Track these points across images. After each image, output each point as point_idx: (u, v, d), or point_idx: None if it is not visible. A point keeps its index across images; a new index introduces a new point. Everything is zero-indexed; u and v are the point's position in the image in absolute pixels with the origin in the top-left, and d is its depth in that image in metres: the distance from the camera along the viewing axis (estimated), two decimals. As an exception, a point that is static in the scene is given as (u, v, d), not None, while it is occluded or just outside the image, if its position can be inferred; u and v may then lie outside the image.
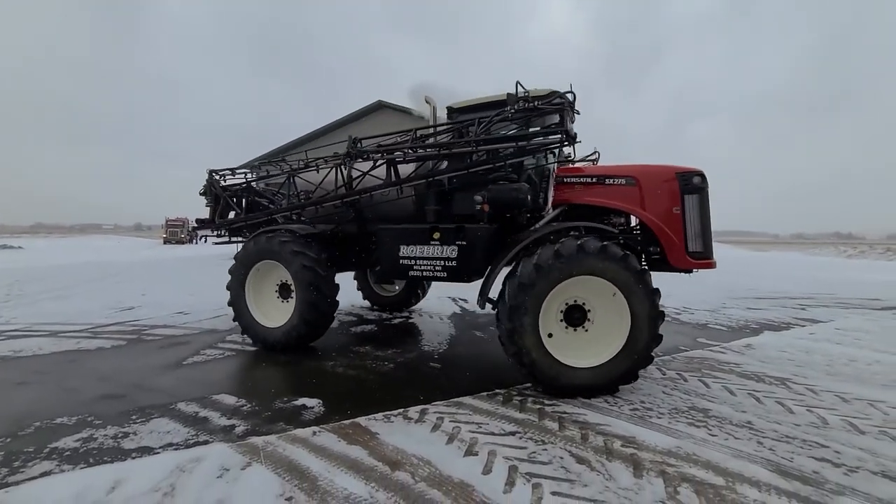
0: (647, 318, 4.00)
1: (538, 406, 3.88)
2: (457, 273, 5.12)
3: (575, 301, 4.26)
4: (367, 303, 8.87)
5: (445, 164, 5.39)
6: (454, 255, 5.11)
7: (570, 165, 5.72)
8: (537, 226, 4.79)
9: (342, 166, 5.82)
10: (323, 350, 5.73)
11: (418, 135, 5.50)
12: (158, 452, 3.08)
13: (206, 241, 42.67)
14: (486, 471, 2.83)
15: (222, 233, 7.15)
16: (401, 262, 5.33)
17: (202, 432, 3.39)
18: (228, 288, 5.93)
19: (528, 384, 4.42)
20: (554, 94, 4.89)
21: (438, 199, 5.43)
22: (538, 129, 4.88)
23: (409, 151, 5.41)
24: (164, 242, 40.90)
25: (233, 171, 7.14)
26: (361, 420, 3.58)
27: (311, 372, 4.88)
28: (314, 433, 3.35)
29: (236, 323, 5.95)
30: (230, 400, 4.03)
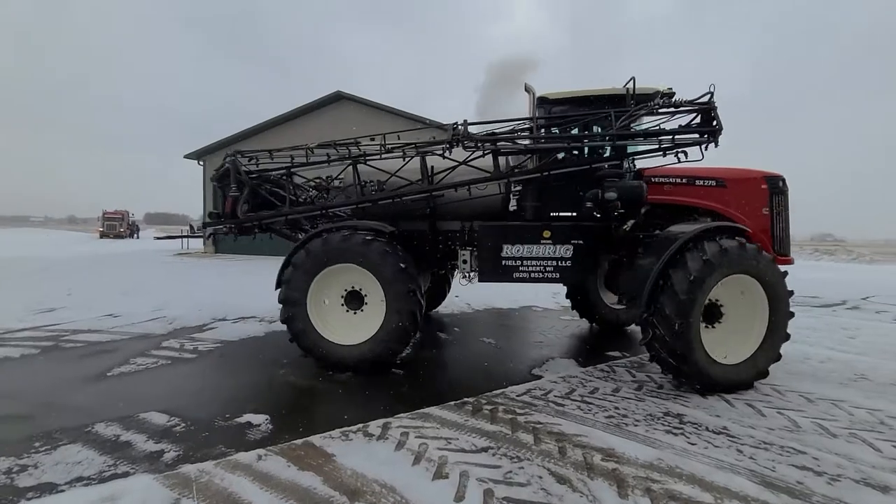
0: (785, 317, 4.35)
1: (510, 416, 3.61)
2: (572, 273, 5.05)
3: (708, 300, 4.28)
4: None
5: (557, 157, 5.10)
6: (569, 254, 4.98)
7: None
8: (675, 227, 4.61)
9: (427, 154, 5.10)
10: (272, 357, 5.22)
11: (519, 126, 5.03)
12: (63, 490, 2.55)
13: (137, 237, 40.12)
14: (459, 497, 2.51)
15: (231, 230, 5.71)
16: (503, 263, 5.02)
17: (122, 461, 2.87)
18: (284, 301, 4.70)
19: (498, 391, 4.16)
20: (657, 93, 4.87)
21: (545, 194, 5.14)
22: (687, 126, 4.81)
23: (523, 142, 5.04)
24: (101, 237, 37.89)
25: (270, 153, 5.63)
26: (315, 439, 3.17)
27: (259, 383, 4.39)
28: (259, 457, 2.91)
29: (293, 343, 4.77)
30: (160, 419, 3.49)
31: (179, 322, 6.73)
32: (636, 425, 3.49)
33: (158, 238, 39.48)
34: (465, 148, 4.94)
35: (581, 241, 4.96)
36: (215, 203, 6.05)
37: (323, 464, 2.84)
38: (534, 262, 5.02)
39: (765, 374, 4.38)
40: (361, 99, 18.44)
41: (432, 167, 5.10)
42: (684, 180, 5.17)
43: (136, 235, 41.06)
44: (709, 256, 4.09)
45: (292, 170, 5.72)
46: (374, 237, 4.68)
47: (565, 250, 4.97)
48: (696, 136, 4.74)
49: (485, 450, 3.04)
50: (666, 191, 5.12)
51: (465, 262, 5.40)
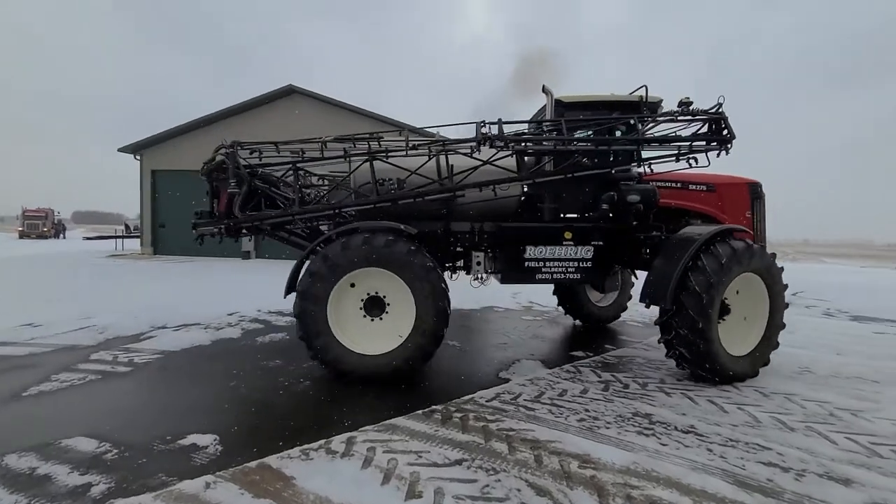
0: (782, 310, 4.80)
1: (481, 424, 3.46)
2: (592, 274, 5.20)
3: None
4: (275, 307, 7.88)
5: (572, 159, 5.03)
6: (589, 255, 5.13)
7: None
8: (687, 230, 4.86)
9: (446, 153, 4.89)
10: (220, 368, 4.80)
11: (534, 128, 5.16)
12: (-41, 542, 2.12)
13: (63, 237, 36.84)
14: (435, 518, 2.33)
15: (221, 231, 5.02)
16: (526, 264, 5.06)
17: (39, 500, 2.45)
18: (301, 314, 4.26)
19: (467, 396, 4.01)
20: (660, 101, 5.28)
21: (564, 196, 5.27)
22: (702, 134, 5.06)
23: (546, 143, 5.01)
24: (21, 237, 34.39)
25: (276, 145, 5.05)
26: (272, 460, 2.87)
27: (205, 399, 3.98)
28: (208, 485, 2.58)
29: (316, 358, 4.32)
30: (87, 445, 3.05)
31: (112, 331, 6.08)
32: (608, 428, 3.45)
33: (88, 238, 36.38)
34: (492, 147, 4.81)
35: (601, 242, 5.14)
36: (210, 200, 5.23)
37: (282, 489, 2.56)
38: (556, 263, 5.12)
39: (767, 362, 4.80)
40: (314, 94, 17.79)
41: (451, 166, 4.86)
42: (679, 185, 5.57)
43: (62, 235, 37.63)
44: (725, 258, 4.39)
45: (298, 165, 5.08)
46: (395, 238, 4.37)
47: (586, 251, 5.13)
48: (711, 143, 5.03)
49: (458, 462, 2.87)
50: (662, 195, 5.41)
51: (478, 263, 5.24)
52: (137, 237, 21.15)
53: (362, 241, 4.28)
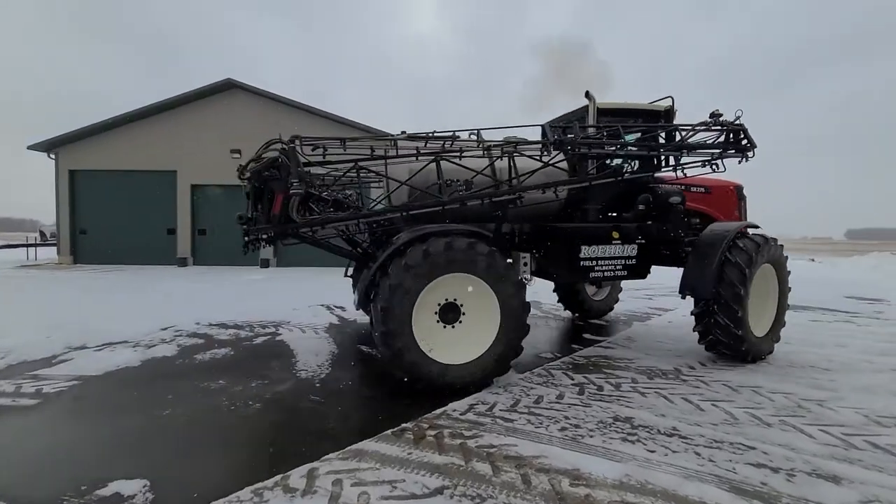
0: (787, 294, 5.58)
1: (459, 441, 3.15)
2: (637, 271, 5.58)
3: None
4: (217, 319, 7.18)
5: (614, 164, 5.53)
6: (634, 253, 5.49)
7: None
8: (714, 226, 5.43)
9: (512, 155, 4.78)
10: (151, 395, 4.16)
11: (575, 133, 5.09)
12: None
13: None
14: (420, 566, 1.99)
15: (258, 240, 4.54)
16: (581, 263, 5.25)
17: None
18: (387, 321, 3.90)
19: (439, 410, 3.69)
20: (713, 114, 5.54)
21: (609, 199, 5.63)
22: (732, 142, 5.55)
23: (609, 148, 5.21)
24: None
25: (342, 142, 4.64)
26: (217, 507, 2.41)
27: (132, 432, 3.38)
28: (134, 548, 2.09)
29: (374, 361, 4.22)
30: (-28, 507, 2.43)
31: (17, 354, 5.19)
32: (591, 436, 3.25)
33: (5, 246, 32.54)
34: (559, 149, 5.07)
35: (643, 241, 5.52)
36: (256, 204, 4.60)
37: (230, 544, 2.12)
38: (607, 262, 5.38)
39: (779, 339, 5.51)
40: (255, 89, 16.78)
41: (515, 168, 4.78)
42: (683, 188, 5.90)
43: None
44: (753, 252, 4.99)
45: (361, 164, 4.60)
46: (476, 241, 4.21)
47: (631, 249, 5.47)
48: (736, 151, 5.55)
49: (440, 491, 2.54)
50: None
51: (525, 264, 5.13)
52: (54, 245, 18.98)
53: (444, 245, 4.04)
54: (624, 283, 9.50)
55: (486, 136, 5.25)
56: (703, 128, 5.42)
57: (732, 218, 6.15)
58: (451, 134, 4.94)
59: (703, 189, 6.13)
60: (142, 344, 5.72)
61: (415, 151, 4.61)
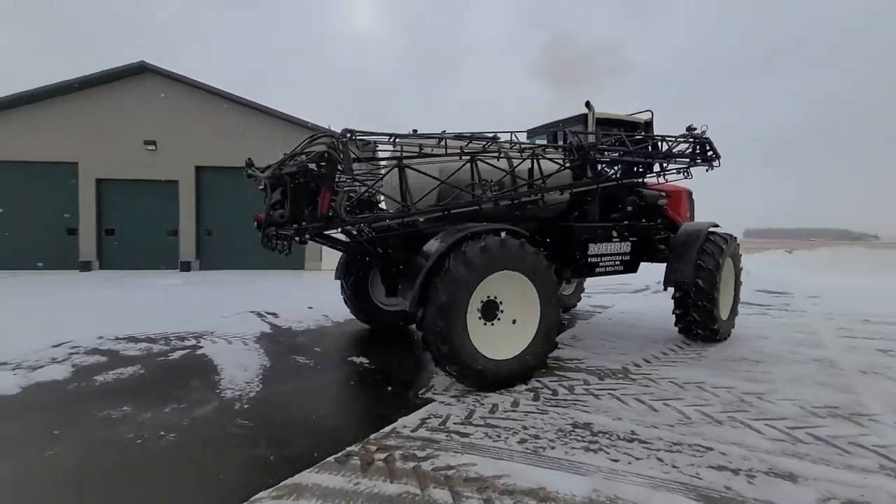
0: (740, 285, 6.76)
1: (412, 464, 2.83)
2: (630, 266, 6.22)
3: None
4: (126, 332, 6.27)
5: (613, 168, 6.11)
6: (628, 249, 6.07)
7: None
8: (686, 226, 6.36)
9: (537, 158, 5.12)
10: (33, 428, 3.42)
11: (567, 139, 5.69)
12: None
13: None
14: None
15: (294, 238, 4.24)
16: (590, 259, 5.67)
17: None
18: (446, 317, 3.90)
19: (387, 428, 3.34)
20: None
21: (605, 200, 6.01)
22: (703, 153, 6.46)
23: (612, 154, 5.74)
24: None
25: (393, 138, 4.44)
26: (111, 578, 1.90)
27: (6, 479, 2.70)
28: None
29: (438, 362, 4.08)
30: None
31: None
32: (553, 447, 3.07)
33: None
34: (579, 154, 5.35)
35: (636, 239, 6.13)
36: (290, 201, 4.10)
37: None
38: (608, 258, 5.89)
39: (734, 325, 6.44)
40: (173, 74, 15.26)
41: (539, 169, 5.13)
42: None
43: None
44: (722, 245, 5.87)
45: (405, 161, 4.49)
46: (524, 239, 4.40)
47: (626, 246, 6.05)
48: (703, 161, 6.44)
49: (394, 530, 2.21)
50: None
51: None
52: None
53: (499, 243, 4.19)
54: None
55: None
56: (682, 138, 6.21)
57: (686, 219, 6.86)
58: (492, 135, 5.08)
59: (665, 193, 6.66)
60: (24, 366, 4.78)
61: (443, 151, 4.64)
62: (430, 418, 3.56)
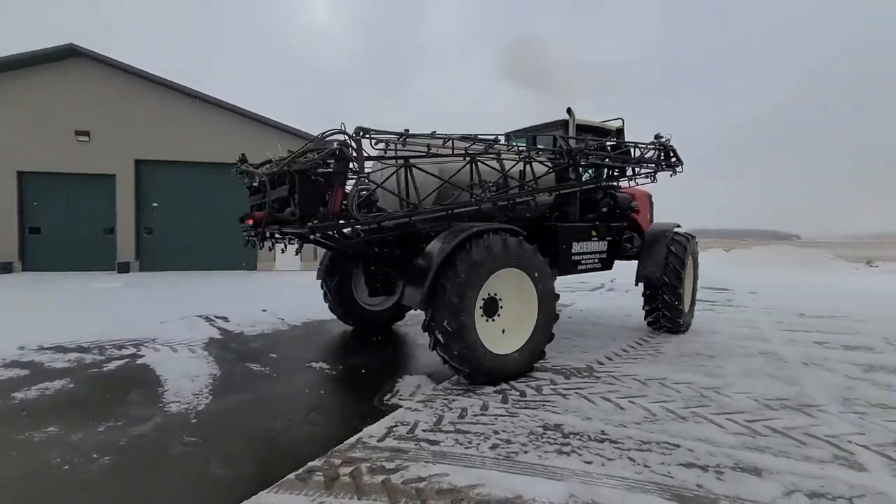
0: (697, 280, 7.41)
1: (380, 477, 2.65)
2: (607, 263, 6.65)
3: None
4: (53, 341, 5.66)
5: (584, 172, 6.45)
6: (605, 248, 6.54)
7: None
8: (655, 225, 6.99)
9: (531, 161, 5.52)
10: (-63, 455, 2.95)
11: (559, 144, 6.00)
12: None
13: None
14: None
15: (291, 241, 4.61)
16: (573, 258, 5.98)
17: None
18: (459, 317, 3.97)
19: (352, 438, 3.15)
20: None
21: (583, 202, 6.40)
22: (668, 159, 7.10)
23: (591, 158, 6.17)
24: None
25: (402, 136, 4.39)
26: None
27: None
28: None
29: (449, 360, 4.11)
30: None
31: None
32: (525, 451, 2.99)
33: None
34: (570, 158, 5.73)
35: (610, 238, 6.60)
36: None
37: None
38: (589, 256, 6.26)
39: (692, 317, 7.01)
40: (107, 59, 14.12)
41: (532, 171, 5.51)
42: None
43: None
44: (686, 244, 6.42)
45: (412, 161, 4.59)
46: (523, 238, 4.58)
47: (604, 245, 6.51)
48: (668, 167, 7.09)
49: (365, 553, 2.04)
50: None
51: None
52: None
53: (501, 242, 4.31)
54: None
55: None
56: (651, 145, 6.85)
57: (647, 220, 7.34)
58: (493, 138, 5.23)
59: (631, 196, 7.13)
60: (-74, 383, 4.17)
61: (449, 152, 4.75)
62: (397, 426, 3.39)
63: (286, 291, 10.81)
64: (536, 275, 4.58)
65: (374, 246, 5.12)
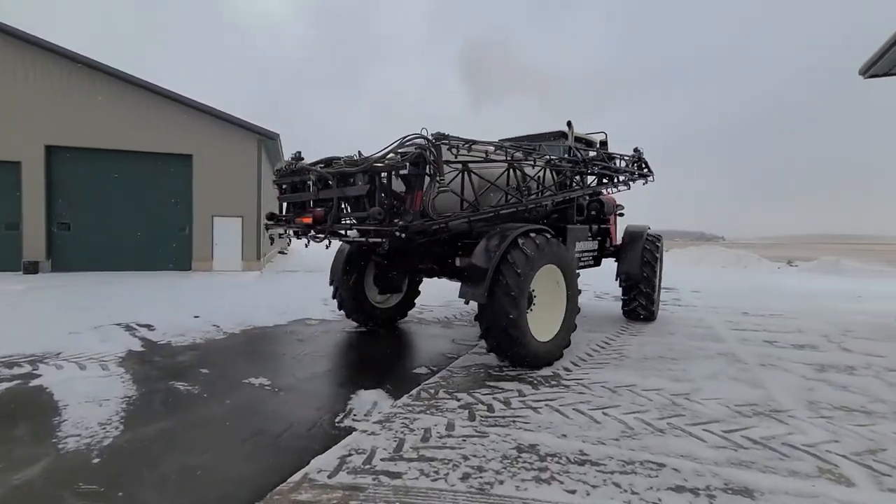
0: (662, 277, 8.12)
1: (333, 528, 2.19)
2: (598, 260, 7.51)
3: None
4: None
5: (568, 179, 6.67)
6: (596, 247, 7.40)
7: None
8: (630, 226, 7.77)
9: (552, 168, 6.15)
10: None
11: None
12: None
13: None
14: None
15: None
16: (575, 255, 6.42)
17: None
18: (517, 307, 4.42)
19: (298, 474, 2.64)
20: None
21: (577, 205, 6.83)
22: (642, 169, 8.18)
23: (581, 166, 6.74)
24: None
25: (469, 144, 4.97)
26: None
27: None
28: None
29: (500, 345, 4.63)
30: None
31: None
32: (501, 481, 2.63)
33: None
34: (584, 166, 6.63)
35: (600, 238, 7.57)
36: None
37: None
38: (587, 254, 7.05)
39: (659, 307, 7.90)
40: (9, 28, 12.38)
41: (553, 176, 6.24)
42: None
43: None
44: (658, 243, 7.39)
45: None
46: (558, 238, 5.16)
47: (595, 244, 7.38)
48: (642, 177, 8.17)
49: None
50: None
51: None
52: None
53: (545, 241, 4.83)
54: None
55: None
56: (630, 157, 7.93)
57: (614, 222, 8.03)
58: (531, 147, 6.13)
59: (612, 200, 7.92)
60: None
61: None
62: (351, 455, 2.92)
63: (225, 294, 9.89)
64: (567, 271, 5.15)
65: (421, 244, 5.30)
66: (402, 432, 3.27)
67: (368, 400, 3.97)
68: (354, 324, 6.83)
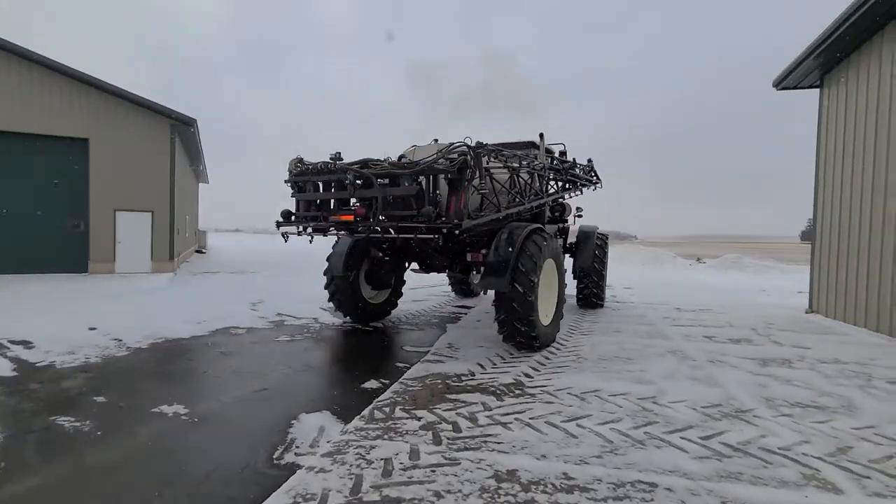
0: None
1: None
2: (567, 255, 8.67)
3: None
4: None
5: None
6: (561, 245, 8.40)
7: None
8: (582, 226, 9.03)
9: (543, 172, 7.10)
10: None
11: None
12: None
13: None
14: None
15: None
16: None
17: None
18: (534, 293, 5.16)
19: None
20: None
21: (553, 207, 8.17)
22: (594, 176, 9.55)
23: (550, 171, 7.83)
24: None
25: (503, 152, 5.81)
26: None
27: None
28: None
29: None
30: None
31: None
32: (483, 522, 2.22)
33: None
34: (567, 173, 8.16)
35: (564, 237, 8.46)
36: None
37: None
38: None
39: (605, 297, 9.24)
40: None
41: (540, 181, 7.14)
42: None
43: None
44: (606, 241, 8.74)
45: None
46: (553, 236, 6.55)
47: (560, 242, 8.23)
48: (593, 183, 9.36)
49: None
50: None
51: None
52: None
53: (549, 237, 5.74)
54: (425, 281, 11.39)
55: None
56: (586, 166, 9.10)
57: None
58: (532, 155, 7.11)
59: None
60: None
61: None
62: (297, 503, 2.35)
63: (130, 301, 8.54)
64: (559, 265, 6.06)
65: (447, 241, 5.56)
66: (357, 466, 2.74)
67: (313, 426, 3.38)
68: (288, 331, 6.08)
